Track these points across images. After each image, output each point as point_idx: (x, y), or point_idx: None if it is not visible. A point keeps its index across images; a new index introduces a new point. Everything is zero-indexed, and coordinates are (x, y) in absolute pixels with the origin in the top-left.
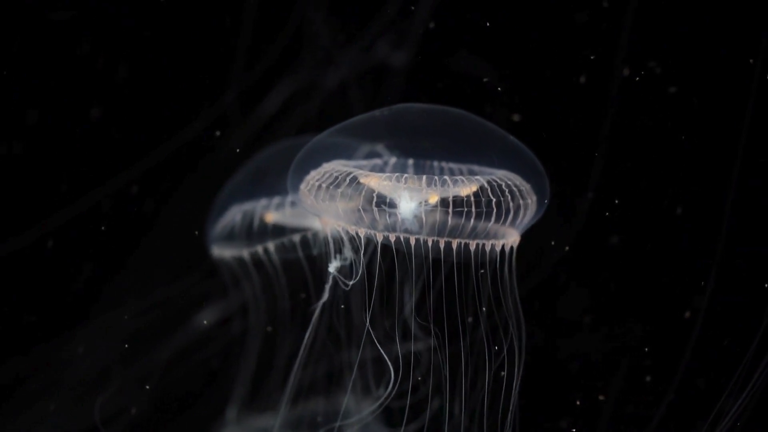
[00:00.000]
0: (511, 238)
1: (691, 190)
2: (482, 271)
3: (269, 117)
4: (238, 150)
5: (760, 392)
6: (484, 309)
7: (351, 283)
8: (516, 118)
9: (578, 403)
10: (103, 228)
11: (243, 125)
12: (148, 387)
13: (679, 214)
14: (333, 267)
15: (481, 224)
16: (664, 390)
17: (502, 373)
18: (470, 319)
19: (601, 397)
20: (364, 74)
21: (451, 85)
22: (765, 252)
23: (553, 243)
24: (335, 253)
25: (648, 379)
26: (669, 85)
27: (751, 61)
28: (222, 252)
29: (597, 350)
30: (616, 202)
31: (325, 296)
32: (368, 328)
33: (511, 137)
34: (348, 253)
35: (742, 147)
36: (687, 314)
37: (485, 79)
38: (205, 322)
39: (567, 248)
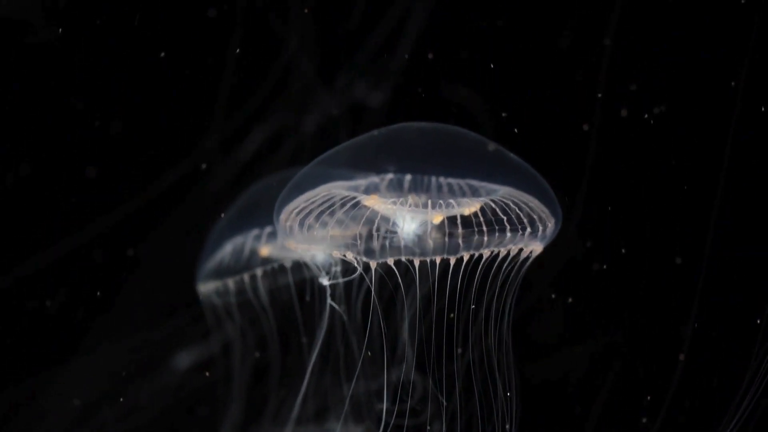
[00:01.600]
0: (530, 247)
1: (679, 211)
2: (473, 306)
3: (253, 156)
4: (224, 190)
5: (754, 422)
6: (473, 306)
7: (354, 277)
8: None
9: None
10: (91, 267)
11: (227, 164)
12: None
13: (670, 239)
14: (325, 281)
15: (495, 238)
16: (653, 417)
17: (505, 422)
18: (460, 350)
19: None
20: (350, 112)
21: (444, 118)
22: (757, 283)
23: (541, 266)
24: (323, 272)
25: (643, 417)
26: (654, 106)
27: (732, 83)
28: (208, 286)
29: (586, 374)
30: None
31: (335, 308)
32: (364, 357)
33: (513, 155)
34: (336, 272)
35: (725, 169)
36: (681, 356)
37: (504, 114)
38: (207, 374)
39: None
